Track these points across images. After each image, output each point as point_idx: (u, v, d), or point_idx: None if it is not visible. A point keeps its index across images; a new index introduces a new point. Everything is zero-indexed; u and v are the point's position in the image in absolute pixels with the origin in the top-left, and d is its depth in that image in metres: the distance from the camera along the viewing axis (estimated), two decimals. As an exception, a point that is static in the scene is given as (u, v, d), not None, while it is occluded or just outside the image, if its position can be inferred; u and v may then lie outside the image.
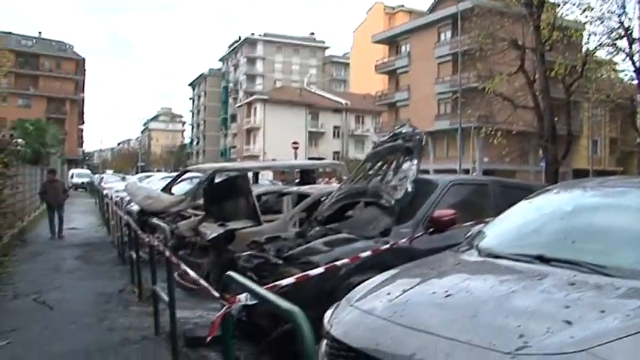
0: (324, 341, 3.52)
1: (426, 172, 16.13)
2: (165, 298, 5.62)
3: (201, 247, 9.46)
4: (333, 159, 55.15)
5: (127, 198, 15.99)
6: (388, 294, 3.52)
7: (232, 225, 8.93)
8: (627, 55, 21.35)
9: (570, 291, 3.11)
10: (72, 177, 49.92)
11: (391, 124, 62.07)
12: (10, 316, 7.10)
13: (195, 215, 11.56)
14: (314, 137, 78.24)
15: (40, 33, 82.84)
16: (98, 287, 9.04)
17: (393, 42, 63.20)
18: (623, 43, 21.31)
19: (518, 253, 3.86)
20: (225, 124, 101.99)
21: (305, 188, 10.34)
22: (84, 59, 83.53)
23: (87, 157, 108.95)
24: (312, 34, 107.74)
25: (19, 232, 14.78)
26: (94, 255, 12.77)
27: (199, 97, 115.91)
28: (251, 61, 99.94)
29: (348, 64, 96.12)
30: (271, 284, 4.55)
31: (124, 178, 42.74)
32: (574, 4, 20.79)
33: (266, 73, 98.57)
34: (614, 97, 25.72)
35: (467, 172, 39.84)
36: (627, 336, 2.60)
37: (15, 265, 10.61)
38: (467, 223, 6.54)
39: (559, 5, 21.22)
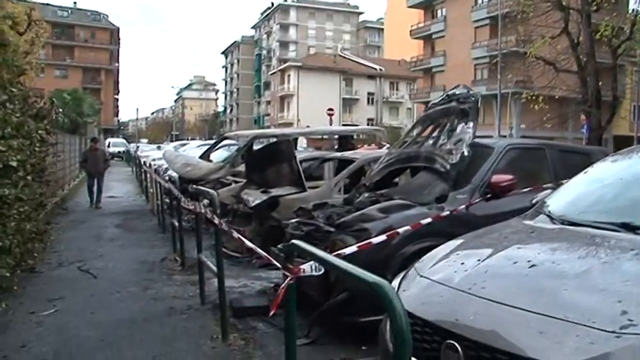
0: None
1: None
2: (213, 267, 5.40)
3: (243, 215, 9.26)
4: (367, 125, 54.57)
5: (165, 166, 15.92)
6: (462, 264, 3.22)
7: (276, 192, 8.70)
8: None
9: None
10: (108, 146, 50.38)
11: (426, 90, 61.21)
12: (56, 284, 7.01)
13: (236, 182, 11.38)
14: (348, 104, 77.57)
15: (75, 3, 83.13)
16: (140, 256, 8.94)
17: (428, 6, 61.67)
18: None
19: (599, 220, 3.51)
20: (258, 92, 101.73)
21: (349, 154, 10.03)
22: (118, 29, 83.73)
23: (122, 127, 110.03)
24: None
25: (60, 200, 14.81)
26: (133, 223, 12.73)
27: (232, 65, 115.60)
28: (284, 27, 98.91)
29: (382, 30, 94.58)
30: (336, 252, 4.28)
31: (159, 147, 43.00)
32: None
33: (299, 39, 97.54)
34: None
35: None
36: None
37: (58, 234, 10.59)
38: (525, 189, 6.21)
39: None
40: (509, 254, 3.20)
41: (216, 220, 4.96)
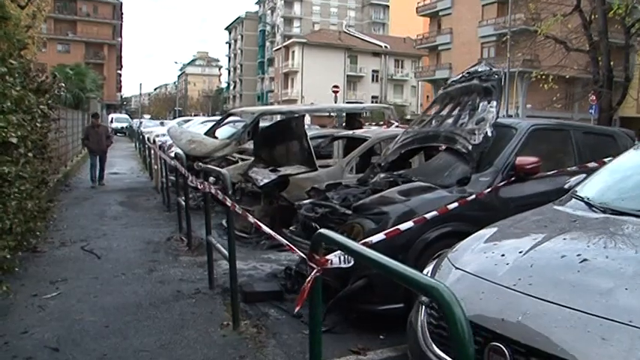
0: (421, 307, 2.99)
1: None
2: (224, 250, 5.14)
3: (250, 194, 9.01)
4: (372, 103, 54.02)
5: (169, 142, 15.62)
6: (502, 255, 2.94)
7: (285, 170, 8.43)
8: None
9: None
10: (111, 122, 50.01)
11: (432, 68, 60.53)
12: (59, 264, 6.77)
13: (242, 160, 11.10)
14: (352, 81, 76.92)
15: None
16: (145, 235, 8.70)
17: (435, -18, 60.83)
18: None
19: (645, 208, 3.24)
20: (262, 68, 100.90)
21: (361, 132, 9.72)
22: (121, 3, 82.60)
23: (124, 103, 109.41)
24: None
25: (62, 176, 14.53)
26: (137, 201, 12.48)
27: (236, 41, 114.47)
28: (288, 3, 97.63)
29: (387, 6, 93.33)
30: (363, 241, 4.01)
31: (162, 123, 42.68)
32: None
33: (304, 15, 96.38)
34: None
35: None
36: None
37: (60, 211, 10.34)
38: (550, 172, 5.93)
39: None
40: (554, 246, 2.93)
41: (229, 202, 4.68)
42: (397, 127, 12.96)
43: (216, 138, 13.71)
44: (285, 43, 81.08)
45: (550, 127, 6.65)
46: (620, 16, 20.18)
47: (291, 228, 6.11)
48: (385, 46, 77.85)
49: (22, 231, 6.64)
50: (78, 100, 28.13)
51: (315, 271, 2.62)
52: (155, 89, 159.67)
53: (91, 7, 79.29)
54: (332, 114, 21.28)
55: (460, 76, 6.59)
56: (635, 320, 2.16)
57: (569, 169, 6.12)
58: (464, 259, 3.07)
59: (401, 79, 79.40)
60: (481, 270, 2.85)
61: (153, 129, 31.98)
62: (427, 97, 68.02)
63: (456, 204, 4.91)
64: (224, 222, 9.16)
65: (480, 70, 6.29)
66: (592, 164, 6.18)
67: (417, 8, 62.74)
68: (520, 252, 2.91)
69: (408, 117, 53.76)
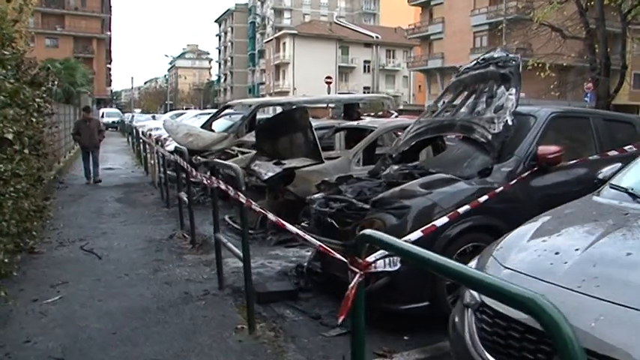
0: (467, 311, 2.73)
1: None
2: (236, 250, 4.88)
3: (254, 188, 8.71)
4: (364, 94, 53.59)
5: (164, 136, 15.28)
6: (557, 254, 2.68)
7: (289, 163, 8.14)
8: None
9: None
10: (102, 116, 49.43)
11: (424, 58, 60.25)
12: (58, 266, 6.46)
13: (242, 153, 10.81)
14: (344, 72, 76.53)
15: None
16: (145, 233, 8.40)
17: (426, -28, 60.46)
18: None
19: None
20: (253, 61, 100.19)
21: (366, 122, 9.45)
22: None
23: (115, 97, 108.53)
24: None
25: (56, 173, 14.16)
26: (135, 197, 12.17)
27: (226, 33, 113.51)
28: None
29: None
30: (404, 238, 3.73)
31: (154, 117, 42.28)
32: None
33: (294, 7, 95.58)
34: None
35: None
36: None
37: (56, 210, 10.00)
38: (571, 162, 5.68)
39: None
40: (614, 243, 2.67)
41: (243, 198, 4.40)
42: (396, 117, 12.69)
43: (212, 131, 13.41)
44: (275, 35, 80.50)
45: (570, 115, 6.40)
46: (616, 3, 19.99)
47: (302, 224, 5.82)
48: (376, 37, 77.48)
49: (19, 231, 6.35)
50: (68, 94, 27.73)
51: (357, 275, 2.36)
52: (145, 83, 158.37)
53: (79, 0, 78.36)
54: (329, 105, 20.95)
55: (474, 62, 6.31)
56: None
57: (590, 158, 5.88)
58: (513, 258, 2.80)
59: (393, 69, 79.12)
60: (536, 270, 2.59)
61: (145, 123, 31.62)
62: (419, 87, 67.78)
63: (486, 197, 4.64)
64: (227, 217, 8.90)
65: (496, 55, 6.00)
66: (612, 152, 5.94)
67: (408, -2, 62.48)
68: (577, 249, 2.65)
69: (401, 107, 53.47)
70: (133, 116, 45.52)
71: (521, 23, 31.03)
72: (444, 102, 6.60)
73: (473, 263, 3.08)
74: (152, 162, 14.48)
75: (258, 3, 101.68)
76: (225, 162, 6.86)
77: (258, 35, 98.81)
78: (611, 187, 3.71)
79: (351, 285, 2.34)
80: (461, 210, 4.40)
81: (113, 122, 49.34)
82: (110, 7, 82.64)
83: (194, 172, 6.89)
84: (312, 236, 3.93)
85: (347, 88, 72.76)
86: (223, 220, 8.66)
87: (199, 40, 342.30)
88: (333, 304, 5.28)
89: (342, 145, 10.59)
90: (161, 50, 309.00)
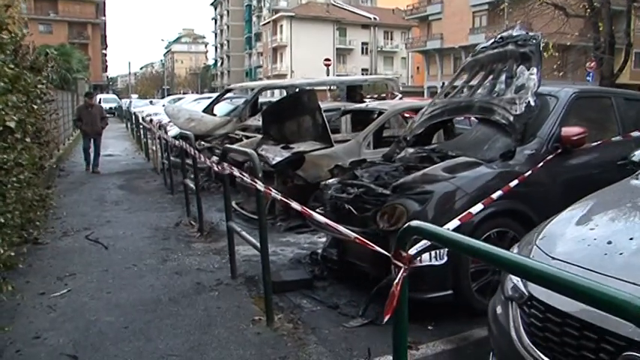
0: (511, 304, 2.55)
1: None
2: (251, 239, 4.71)
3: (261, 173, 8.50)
4: (362, 76, 53.21)
5: (164, 121, 15.05)
6: (609, 243, 2.49)
7: (298, 147, 7.93)
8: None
9: None
10: (99, 102, 49.07)
11: (423, 39, 59.76)
12: (64, 257, 6.27)
13: (246, 137, 10.60)
14: (342, 54, 76.02)
15: (56, -47, 79.81)
16: (151, 220, 8.22)
17: (424, -50, 59.82)
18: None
19: None
20: (249, 44, 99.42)
21: (375, 104, 9.23)
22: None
23: (111, 83, 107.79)
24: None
25: (57, 161, 13.91)
26: (137, 183, 11.97)
27: (222, 16, 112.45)
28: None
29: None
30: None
31: (151, 102, 41.96)
32: None
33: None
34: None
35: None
36: None
37: (58, 198, 9.78)
38: (595, 143, 5.49)
39: None
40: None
41: (261, 186, 4.21)
42: (400, 99, 12.46)
43: (214, 115, 13.19)
44: (272, 17, 79.77)
45: (592, 94, 6.20)
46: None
47: (317, 210, 5.63)
48: (374, 18, 76.90)
49: (22, 222, 6.17)
50: (65, 81, 27.37)
51: (402, 270, 2.18)
52: (141, 68, 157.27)
53: (72, -16, 77.42)
54: (332, 87, 20.69)
55: (492, 41, 6.08)
56: None
57: (613, 139, 5.69)
58: (560, 248, 2.61)
59: (391, 50, 78.58)
60: (589, 261, 2.40)
61: (143, 108, 31.34)
62: (417, 68, 67.31)
63: (516, 181, 4.45)
64: (234, 204, 8.70)
65: (515, 34, 5.77)
66: (635, 133, 5.75)
67: (406, -22, 61.89)
68: (631, 239, 2.47)
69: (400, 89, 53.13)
70: (130, 102, 45.09)
71: (523, 2, 30.68)
72: (458, 83, 6.39)
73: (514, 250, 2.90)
74: (154, 148, 14.26)
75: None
76: (240, 148, 6.65)
77: (254, 18, 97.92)
78: (648, 169, 3.53)
79: (396, 281, 2.16)
80: (494, 195, 4.20)
81: (111, 108, 48.84)
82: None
83: (202, 158, 6.68)
84: (345, 227, 3.72)
85: (345, 70, 72.35)
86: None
87: (195, 24, 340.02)
88: (350, 292, 5.12)
89: (349, 128, 10.39)
90: (157, 35, 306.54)
